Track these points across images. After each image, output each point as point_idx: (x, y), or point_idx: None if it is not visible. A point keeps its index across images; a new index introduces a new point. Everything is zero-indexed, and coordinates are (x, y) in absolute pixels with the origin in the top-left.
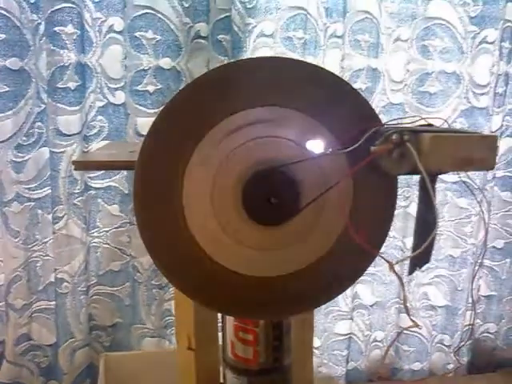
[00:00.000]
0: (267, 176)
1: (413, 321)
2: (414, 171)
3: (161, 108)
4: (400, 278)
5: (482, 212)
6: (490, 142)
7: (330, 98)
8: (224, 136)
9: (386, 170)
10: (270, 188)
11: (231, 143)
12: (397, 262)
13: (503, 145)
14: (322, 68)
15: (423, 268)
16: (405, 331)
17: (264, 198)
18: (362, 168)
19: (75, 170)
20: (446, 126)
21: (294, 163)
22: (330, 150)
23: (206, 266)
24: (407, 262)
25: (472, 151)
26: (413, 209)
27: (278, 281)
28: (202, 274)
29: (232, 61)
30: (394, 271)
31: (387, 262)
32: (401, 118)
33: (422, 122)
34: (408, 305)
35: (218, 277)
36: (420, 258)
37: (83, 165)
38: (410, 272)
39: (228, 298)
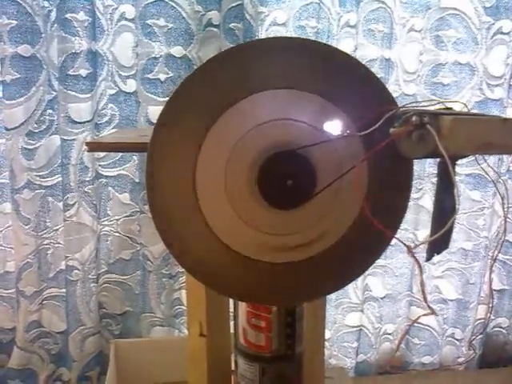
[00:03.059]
0: (283, 158)
1: (429, 307)
2: (432, 154)
3: (174, 90)
4: (418, 262)
5: (502, 199)
6: (511, 125)
7: (347, 81)
8: (239, 118)
9: (403, 152)
10: (286, 171)
11: (246, 125)
12: (415, 246)
13: None
14: (337, 49)
15: (435, 261)
16: (416, 324)
17: (280, 181)
18: (378, 151)
19: (88, 151)
20: (465, 110)
21: (311, 146)
22: (348, 132)
23: (220, 251)
24: (422, 251)
25: (493, 134)
26: (425, 201)
27: (291, 266)
28: (214, 259)
29: (248, 40)
30: (413, 255)
31: (405, 245)
32: (418, 102)
33: (440, 106)
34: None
35: (230, 262)
36: (438, 243)
37: (96, 146)
38: (428, 258)
39: (240, 283)
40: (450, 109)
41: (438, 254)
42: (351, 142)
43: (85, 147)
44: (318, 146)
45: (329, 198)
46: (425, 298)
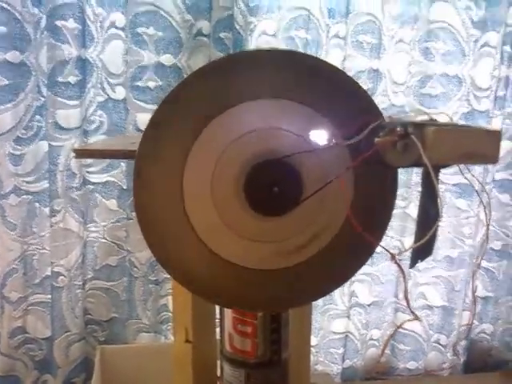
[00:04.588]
0: (270, 166)
1: (413, 313)
2: (416, 164)
3: (163, 98)
4: (402, 269)
5: (485, 208)
6: (494, 136)
7: (332, 91)
8: (225, 127)
9: (388, 162)
10: (273, 178)
11: (233, 134)
12: (399, 253)
13: (502, 147)
14: (323, 61)
15: (421, 268)
16: (402, 330)
17: (266, 189)
18: (364, 160)
19: (76, 158)
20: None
21: (297, 154)
22: (334, 141)
23: (205, 256)
24: (407, 259)
25: (475, 145)
26: (411, 209)
27: (276, 273)
28: (200, 264)
29: (234, 52)
30: (396, 262)
31: (389, 253)
32: (404, 112)
33: (425, 117)
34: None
35: (216, 267)
36: (422, 250)
37: (84, 153)
38: (412, 265)
39: (226, 289)
40: (435, 120)
41: (421, 260)
42: (337, 151)
43: (72, 154)
44: (304, 155)
45: (315, 205)
46: (408, 304)
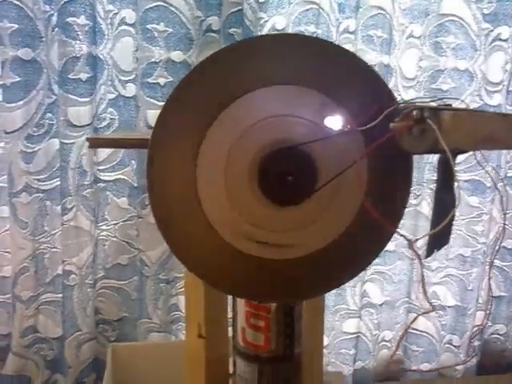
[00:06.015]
0: (285, 154)
1: (430, 303)
2: (432, 149)
3: (172, 90)
4: (418, 256)
5: (501, 197)
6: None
7: (347, 77)
8: (239, 114)
9: (404, 147)
10: (288, 167)
11: (246, 121)
12: (416, 240)
13: None
14: (338, 46)
15: (433, 267)
16: (414, 331)
17: (281, 177)
18: (379, 146)
19: (89, 147)
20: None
21: (312, 142)
22: (348, 127)
23: (218, 246)
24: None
25: (493, 130)
26: (424, 207)
27: (292, 263)
28: (213, 254)
29: (250, 37)
30: (413, 249)
31: (406, 239)
32: (417, 98)
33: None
34: (419, 300)
35: (229, 257)
36: (438, 238)
37: (98, 142)
38: (428, 254)
39: (239, 279)
40: (450, 105)
41: (437, 250)
42: (352, 137)
43: (86, 146)
44: (318, 142)
45: (330, 193)
46: (425, 293)
